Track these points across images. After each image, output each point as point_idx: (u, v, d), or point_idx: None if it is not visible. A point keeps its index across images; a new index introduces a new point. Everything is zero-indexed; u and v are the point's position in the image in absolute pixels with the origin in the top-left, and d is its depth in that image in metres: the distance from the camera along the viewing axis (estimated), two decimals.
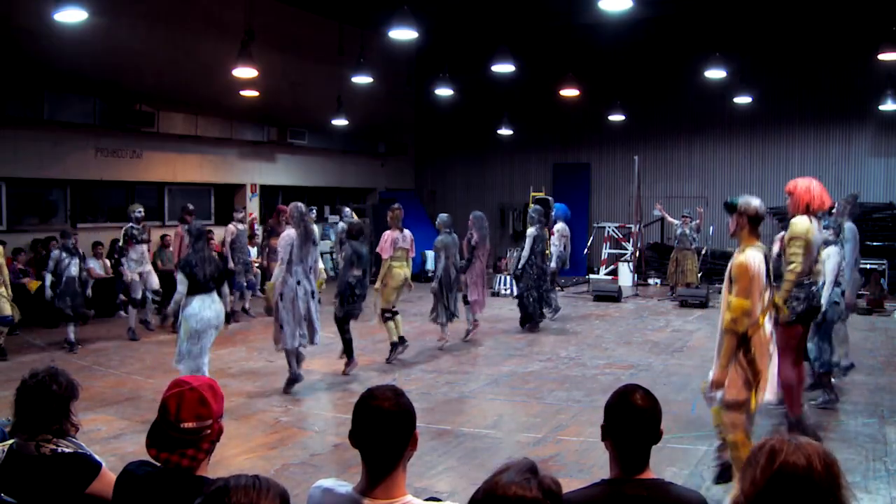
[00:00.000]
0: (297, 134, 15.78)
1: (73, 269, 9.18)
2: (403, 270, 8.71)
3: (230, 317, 7.12)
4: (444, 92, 14.57)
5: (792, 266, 5.17)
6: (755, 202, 4.25)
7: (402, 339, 8.64)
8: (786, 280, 5.18)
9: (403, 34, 9.60)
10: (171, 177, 13.93)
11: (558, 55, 15.34)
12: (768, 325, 4.22)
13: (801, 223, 5.20)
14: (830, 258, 6.47)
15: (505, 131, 17.43)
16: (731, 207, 4.28)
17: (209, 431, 2.26)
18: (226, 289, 6.97)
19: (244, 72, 10.53)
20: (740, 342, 4.08)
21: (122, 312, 11.73)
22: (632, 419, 2.21)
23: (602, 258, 17.62)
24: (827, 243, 6.31)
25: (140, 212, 10.20)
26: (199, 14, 13.77)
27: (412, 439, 1.98)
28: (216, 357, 8.85)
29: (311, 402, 7.01)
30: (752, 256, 4.10)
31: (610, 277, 16.74)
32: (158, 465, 2.26)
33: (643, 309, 13.02)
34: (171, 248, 12.18)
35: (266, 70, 12.07)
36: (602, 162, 18.63)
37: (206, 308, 6.44)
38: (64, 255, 9.16)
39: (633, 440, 2.21)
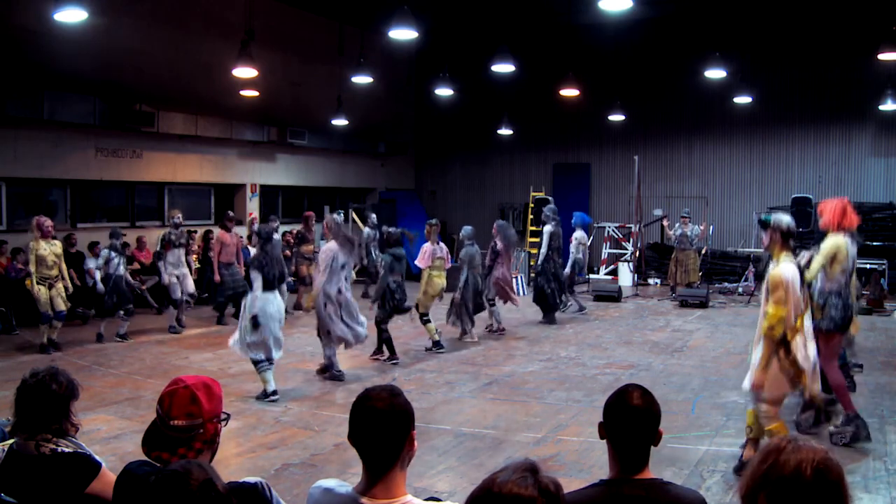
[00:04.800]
0: (297, 134, 15.77)
1: (121, 269, 9.81)
2: (441, 280, 9.49)
3: (287, 310, 7.84)
4: (444, 92, 14.56)
5: (808, 274, 5.50)
6: (786, 219, 4.72)
7: (438, 338, 9.37)
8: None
9: (403, 34, 9.59)
10: (171, 177, 13.93)
11: (558, 55, 15.34)
12: (808, 327, 4.67)
13: (830, 242, 5.69)
14: None
15: (505, 131, 17.42)
16: (764, 224, 4.72)
17: (202, 431, 2.23)
18: (284, 287, 7.39)
19: (244, 72, 10.52)
20: (781, 345, 4.55)
21: (121, 312, 11.73)
22: (629, 418, 2.21)
23: (602, 258, 17.62)
24: None
25: (179, 217, 10.80)
26: (199, 14, 13.77)
27: (409, 439, 1.98)
28: (216, 357, 8.90)
29: (312, 402, 7.01)
30: (785, 269, 4.55)
31: (610, 277, 16.74)
32: (159, 465, 2.25)
33: (643, 309, 13.02)
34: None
35: (266, 70, 12.06)
36: (602, 162, 18.63)
37: (270, 304, 7.00)
38: (113, 254, 9.75)
39: (630, 439, 2.21)
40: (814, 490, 1.43)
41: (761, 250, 15.08)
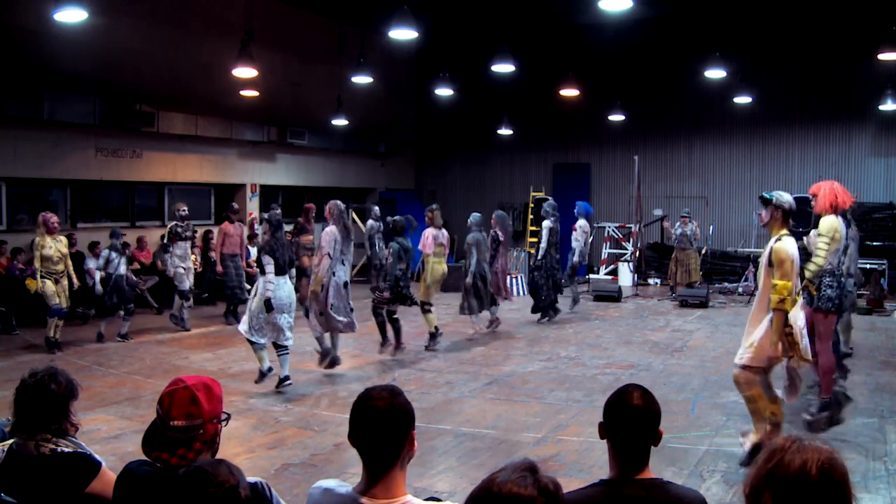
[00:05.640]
0: (297, 134, 15.77)
1: (122, 268, 9.84)
2: (442, 266, 9.62)
3: (301, 302, 7.88)
4: (444, 92, 14.55)
5: (815, 259, 5.69)
6: (787, 196, 4.83)
7: (436, 329, 9.36)
8: (808, 271, 5.63)
9: (403, 34, 9.60)
10: (171, 177, 13.93)
11: (558, 55, 15.34)
12: (800, 303, 4.84)
13: (828, 222, 5.73)
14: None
15: (505, 131, 17.42)
16: (765, 201, 4.81)
17: (202, 431, 2.24)
18: (293, 272, 7.65)
19: (244, 72, 10.52)
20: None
21: (121, 312, 11.76)
22: (629, 418, 2.21)
23: (602, 258, 17.61)
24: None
25: (184, 210, 10.81)
26: (199, 14, 13.77)
27: (409, 439, 1.98)
28: (216, 357, 8.91)
29: (311, 402, 7.01)
30: (788, 243, 4.68)
31: (610, 277, 16.73)
32: (159, 465, 2.25)
33: (643, 309, 13.02)
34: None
35: (266, 70, 12.06)
36: (602, 162, 18.63)
37: (280, 289, 7.15)
38: (113, 254, 9.78)
39: (630, 439, 2.21)
40: (819, 489, 1.43)
41: (761, 250, 15.15)
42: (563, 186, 18.40)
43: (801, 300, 4.84)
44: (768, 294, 4.72)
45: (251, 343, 7.19)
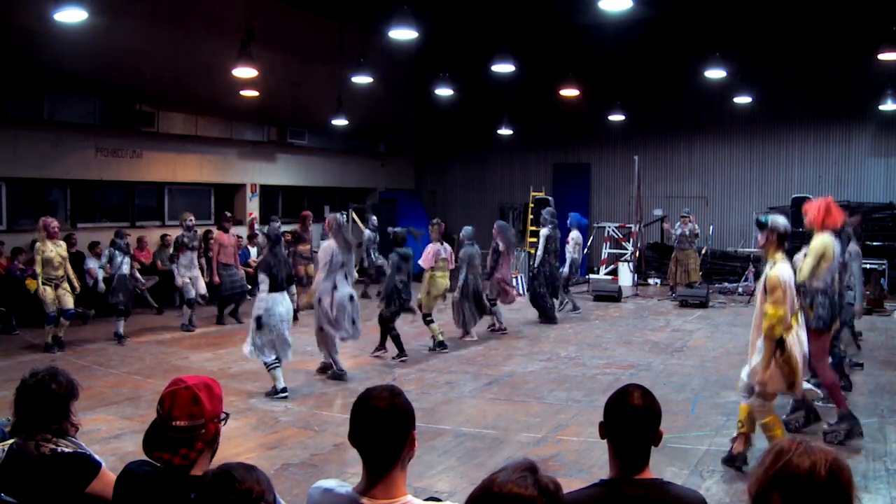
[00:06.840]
0: (297, 134, 15.77)
1: (125, 268, 9.88)
2: (445, 280, 9.63)
3: (296, 313, 7.82)
4: (444, 92, 14.55)
5: (800, 274, 5.65)
6: (782, 220, 4.90)
7: (442, 341, 9.37)
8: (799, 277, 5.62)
9: (403, 34, 9.60)
10: (171, 177, 13.93)
11: (558, 55, 15.34)
12: (800, 328, 4.85)
13: (819, 241, 5.71)
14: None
15: (505, 131, 17.42)
16: (761, 225, 4.89)
17: (203, 431, 2.24)
18: (293, 288, 7.44)
19: (244, 72, 10.52)
20: (777, 344, 4.72)
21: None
22: (629, 418, 2.20)
23: (602, 258, 17.61)
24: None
25: (191, 220, 10.93)
26: (199, 14, 13.76)
27: (409, 439, 1.98)
28: (216, 357, 8.90)
29: (312, 402, 7.01)
30: (782, 270, 4.74)
31: (610, 277, 16.73)
32: (159, 465, 2.25)
33: (643, 309, 13.02)
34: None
35: (266, 70, 12.06)
36: (602, 162, 18.63)
37: (279, 305, 7.13)
38: (117, 253, 9.84)
39: (630, 439, 2.21)
40: (827, 489, 1.48)
41: (761, 251, 15.07)
42: (563, 186, 18.41)
43: (799, 323, 4.85)
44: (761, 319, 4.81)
45: (265, 364, 7.10)
